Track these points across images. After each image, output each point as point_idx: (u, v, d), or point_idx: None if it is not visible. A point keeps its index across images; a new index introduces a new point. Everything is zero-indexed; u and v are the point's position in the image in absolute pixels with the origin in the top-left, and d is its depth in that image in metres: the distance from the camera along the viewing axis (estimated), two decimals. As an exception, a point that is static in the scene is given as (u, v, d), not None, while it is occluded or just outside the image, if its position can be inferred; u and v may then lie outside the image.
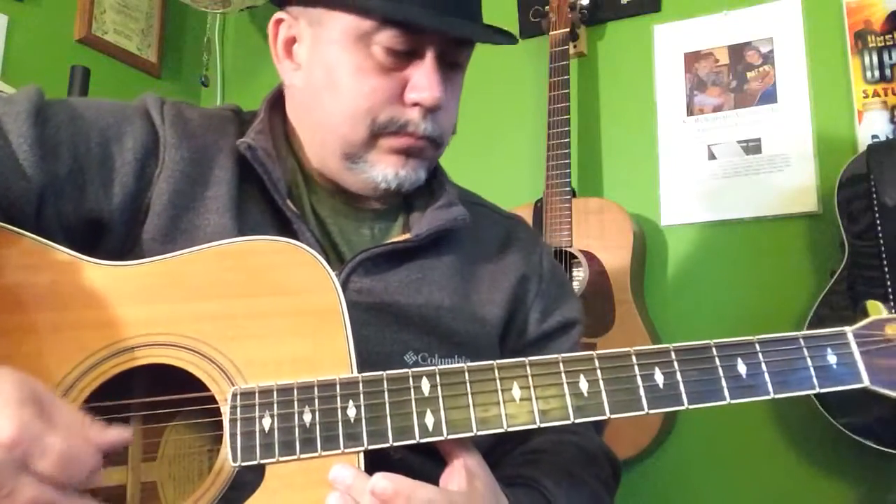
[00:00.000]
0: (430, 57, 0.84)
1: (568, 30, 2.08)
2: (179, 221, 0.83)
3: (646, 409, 0.70)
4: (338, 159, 0.88)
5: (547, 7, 2.14)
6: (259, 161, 0.86)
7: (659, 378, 0.71)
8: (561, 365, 0.71)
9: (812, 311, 1.70)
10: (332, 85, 0.86)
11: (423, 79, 0.84)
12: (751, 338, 0.73)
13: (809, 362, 0.72)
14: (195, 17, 2.70)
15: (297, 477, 0.66)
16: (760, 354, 0.72)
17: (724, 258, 2.02)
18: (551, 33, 2.09)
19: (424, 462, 0.79)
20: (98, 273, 0.72)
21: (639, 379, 0.70)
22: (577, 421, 0.69)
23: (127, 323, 0.70)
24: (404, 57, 0.84)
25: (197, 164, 0.86)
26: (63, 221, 0.79)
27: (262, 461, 0.66)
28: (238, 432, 0.66)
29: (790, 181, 1.98)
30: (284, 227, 0.86)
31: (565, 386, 0.70)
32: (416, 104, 0.84)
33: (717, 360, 0.71)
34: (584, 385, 0.70)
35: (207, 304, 0.71)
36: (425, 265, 0.91)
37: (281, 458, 0.66)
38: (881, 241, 1.66)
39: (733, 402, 0.71)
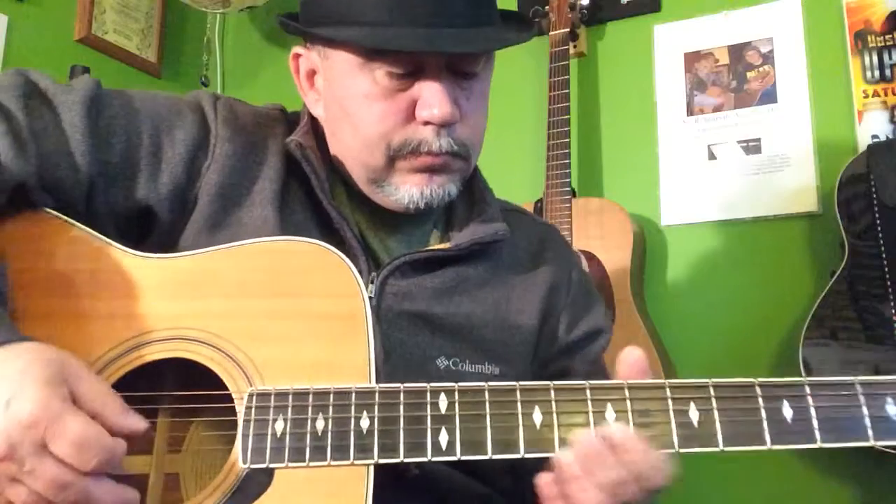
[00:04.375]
0: (433, 73, 0.83)
1: (568, 30, 2.08)
2: (226, 213, 0.85)
3: (676, 448, 0.65)
4: (365, 184, 0.89)
5: (547, 7, 2.14)
6: (308, 160, 0.87)
7: (694, 415, 0.65)
8: (588, 392, 0.67)
9: (812, 311, 1.70)
10: (345, 116, 0.86)
11: (429, 97, 0.82)
12: (801, 379, 0.67)
13: (865, 411, 0.66)
14: (195, 17, 2.70)
15: (305, 485, 0.65)
16: (810, 398, 0.66)
17: (724, 258, 2.02)
18: (551, 33, 2.09)
19: (452, 473, 0.79)
20: (135, 264, 0.74)
21: (672, 414, 0.65)
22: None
23: (156, 315, 0.72)
24: (408, 76, 0.83)
25: (246, 159, 0.87)
26: (114, 209, 0.82)
27: (272, 465, 0.66)
28: (251, 433, 0.66)
29: (790, 181, 1.98)
30: (327, 229, 0.87)
31: (591, 415, 0.66)
32: (427, 122, 0.83)
33: (760, 400, 0.66)
34: (610, 415, 0.66)
35: (234, 303, 0.72)
36: (461, 273, 0.91)
37: (290, 464, 0.65)
38: (881, 241, 1.66)
39: (774, 448, 0.65)
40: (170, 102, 0.89)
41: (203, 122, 0.88)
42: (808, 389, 0.66)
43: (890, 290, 1.62)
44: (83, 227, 0.76)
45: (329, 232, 0.87)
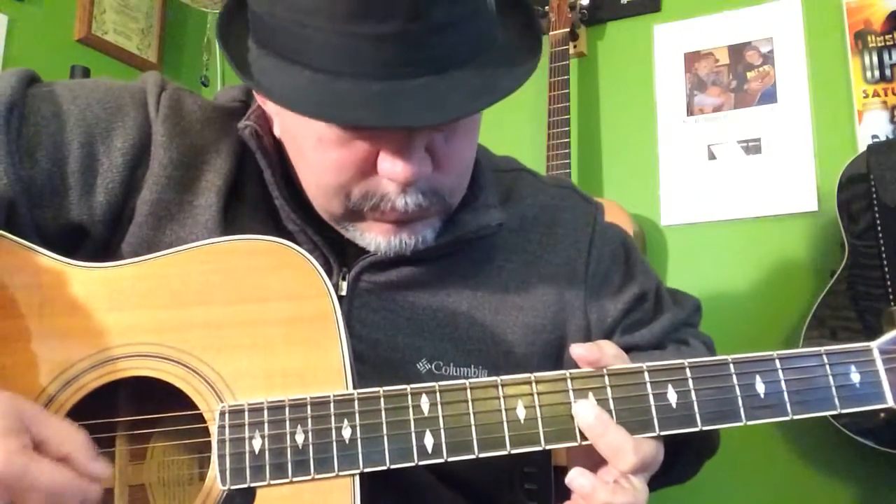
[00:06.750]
0: (396, 130, 0.68)
1: (568, 30, 2.08)
2: (162, 234, 0.75)
3: (657, 431, 0.66)
4: (328, 219, 0.78)
5: (547, 7, 2.14)
6: (264, 149, 0.76)
7: (672, 397, 0.66)
8: (569, 382, 0.66)
9: (812, 311, 1.70)
10: (298, 153, 0.74)
11: (390, 151, 0.68)
12: (770, 353, 0.68)
13: (831, 381, 0.67)
14: (195, 17, 2.70)
15: (289, 500, 0.63)
16: (780, 372, 0.67)
17: (724, 258, 2.02)
18: (551, 33, 2.09)
19: (438, 484, 0.76)
20: (79, 276, 0.68)
21: (651, 398, 0.66)
22: (584, 444, 0.65)
23: (109, 331, 0.66)
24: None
25: (186, 168, 0.77)
26: (41, 229, 0.73)
27: (253, 484, 0.63)
28: (227, 453, 0.63)
29: (790, 181, 1.98)
30: (282, 232, 0.78)
31: (573, 406, 0.66)
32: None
33: (734, 377, 0.67)
34: (591, 404, 0.66)
35: (192, 311, 0.67)
36: (446, 263, 0.81)
37: (272, 482, 0.62)
38: (881, 241, 1.66)
39: (749, 423, 0.66)
40: (111, 96, 0.78)
41: (145, 120, 0.77)
42: (778, 364, 0.67)
43: (890, 290, 1.62)
44: (12, 236, 0.68)
45: (286, 237, 0.76)
